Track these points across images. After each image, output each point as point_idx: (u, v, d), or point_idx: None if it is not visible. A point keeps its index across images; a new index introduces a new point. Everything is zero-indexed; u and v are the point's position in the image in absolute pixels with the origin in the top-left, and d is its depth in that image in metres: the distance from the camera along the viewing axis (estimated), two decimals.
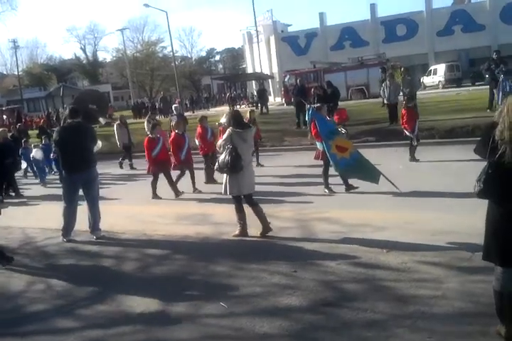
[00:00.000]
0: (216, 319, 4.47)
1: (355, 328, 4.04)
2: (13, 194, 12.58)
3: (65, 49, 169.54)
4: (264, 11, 52.28)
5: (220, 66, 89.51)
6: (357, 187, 8.87)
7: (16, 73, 67.17)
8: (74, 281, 5.79)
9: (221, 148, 6.76)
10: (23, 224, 8.69)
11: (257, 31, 50.32)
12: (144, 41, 71.73)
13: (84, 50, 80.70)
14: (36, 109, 57.88)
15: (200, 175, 11.25)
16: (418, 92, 17.25)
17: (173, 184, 10.24)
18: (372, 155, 11.14)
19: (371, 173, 8.02)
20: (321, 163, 9.21)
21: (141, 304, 4.92)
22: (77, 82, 78.04)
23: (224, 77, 57.13)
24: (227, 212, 8.38)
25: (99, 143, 15.10)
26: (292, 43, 49.82)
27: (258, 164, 12.86)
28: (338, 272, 5.18)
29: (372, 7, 47.54)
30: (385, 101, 16.71)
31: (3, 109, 52.44)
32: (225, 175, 6.73)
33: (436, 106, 18.82)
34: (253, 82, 48.32)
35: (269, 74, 47.81)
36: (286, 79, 35.14)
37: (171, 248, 6.72)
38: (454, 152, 11.74)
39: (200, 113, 35.51)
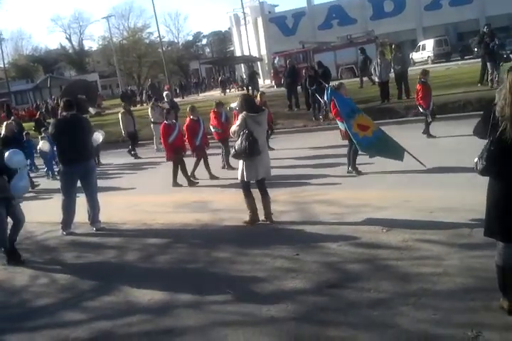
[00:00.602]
0: (222, 305, 4.52)
1: (360, 308, 4.09)
2: None
3: (50, 39, 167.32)
4: None
5: (208, 50, 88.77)
6: (360, 171, 8.85)
7: (1, 66, 66.40)
8: (77, 274, 5.81)
9: (235, 134, 6.61)
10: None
11: (244, 13, 49.89)
12: (129, 28, 70.91)
13: (69, 40, 79.85)
14: (24, 102, 57.32)
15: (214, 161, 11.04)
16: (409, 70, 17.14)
17: (186, 171, 10.09)
18: None
19: (395, 151, 7.92)
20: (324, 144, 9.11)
21: (146, 294, 4.95)
22: (64, 72, 77.20)
23: (212, 60, 56.74)
24: (226, 199, 8.46)
25: (102, 133, 15.20)
26: (280, 24, 49.41)
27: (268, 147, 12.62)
28: (339, 253, 5.22)
29: None
30: (376, 80, 16.66)
31: None
32: (241, 161, 6.63)
33: None
34: (242, 65, 48.06)
35: (257, 56, 47.50)
36: (275, 61, 34.92)
37: (171, 236, 6.74)
38: (447, 127, 11.75)
39: (190, 99, 35.38)
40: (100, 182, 8.11)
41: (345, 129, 8.55)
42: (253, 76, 27.54)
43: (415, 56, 36.01)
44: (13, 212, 6.34)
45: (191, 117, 10.33)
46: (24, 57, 79.88)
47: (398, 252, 5.03)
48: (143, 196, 9.74)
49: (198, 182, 10.13)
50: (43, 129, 16.41)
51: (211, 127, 11.17)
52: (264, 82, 39.83)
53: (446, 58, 34.53)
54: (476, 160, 3.48)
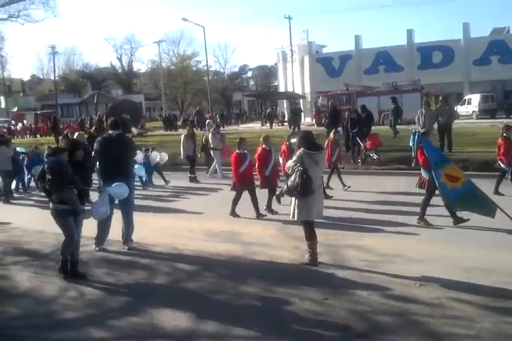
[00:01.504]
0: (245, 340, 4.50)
1: None
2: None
3: (101, 57, 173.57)
4: (300, 31, 52.73)
5: (252, 83, 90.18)
6: (467, 220, 8.20)
7: (52, 78, 68.76)
8: (106, 291, 5.90)
9: (290, 170, 6.48)
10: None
11: (291, 50, 50.84)
12: (179, 54, 72.89)
13: (120, 60, 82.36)
14: (69, 115, 59.05)
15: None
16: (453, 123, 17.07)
17: (256, 203, 9.78)
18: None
19: (486, 206, 7.24)
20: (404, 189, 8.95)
21: (172, 319, 4.98)
22: (111, 90, 79.43)
23: (256, 94, 57.62)
24: (256, 232, 8.48)
25: (165, 155, 14.88)
26: (326, 64, 50.04)
27: (344, 185, 12.20)
28: (369, 303, 5.15)
29: (409, 32, 47.58)
30: (420, 129, 16.61)
31: (38, 113, 53.73)
32: (293, 198, 6.52)
33: (470, 137, 18.67)
34: (284, 101, 48.63)
35: (301, 94, 48.06)
36: (318, 101, 35.23)
37: (201, 264, 6.77)
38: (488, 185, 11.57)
39: (230, 128, 35.86)
40: (146, 202, 8.20)
41: (429, 178, 8.20)
42: (297, 112, 27.84)
43: (460, 109, 35.83)
44: (77, 225, 6.43)
45: (263, 147, 9.99)
46: (74, 72, 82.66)
47: (430, 309, 4.94)
48: (175, 220, 9.82)
49: (266, 215, 9.77)
50: None
51: (280, 159, 10.95)
52: (305, 120, 40.12)
53: (491, 115, 34.23)
54: None
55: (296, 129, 26.35)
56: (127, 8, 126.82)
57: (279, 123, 37.98)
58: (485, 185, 11.40)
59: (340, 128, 18.88)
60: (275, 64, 63.48)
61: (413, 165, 9.43)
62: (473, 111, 35.27)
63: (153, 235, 8.26)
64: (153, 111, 70.53)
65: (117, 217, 7.67)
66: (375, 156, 15.34)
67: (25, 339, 4.71)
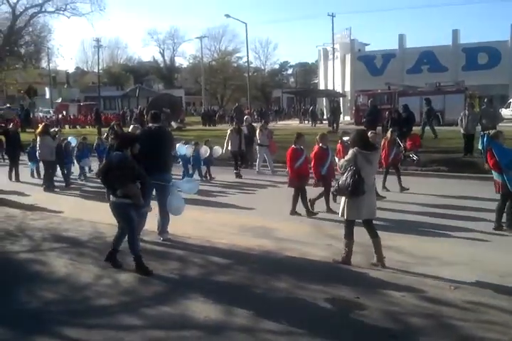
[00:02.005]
0: (276, 336, 4.51)
1: None
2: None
3: (144, 51, 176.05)
4: (342, 28, 52.27)
5: (292, 80, 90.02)
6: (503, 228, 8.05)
7: (95, 71, 70.17)
8: (140, 279, 6.00)
9: (342, 169, 6.44)
10: (95, 218, 9.05)
11: (333, 48, 50.42)
12: (220, 50, 73.50)
13: (162, 54, 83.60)
14: (112, 108, 60.12)
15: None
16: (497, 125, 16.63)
17: (307, 200, 9.58)
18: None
19: None
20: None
21: (203, 310, 5.03)
22: (152, 84, 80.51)
23: (296, 91, 57.51)
24: (289, 229, 8.48)
25: (219, 149, 14.97)
26: (368, 63, 49.50)
27: (402, 188, 11.76)
28: (403, 304, 5.08)
29: (455, 33, 46.60)
30: (462, 131, 16.28)
31: (81, 104, 54.95)
32: (343, 197, 6.46)
33: None
34: (323, 99, 48.33)
35: (341, 92, 47.67)
36: (359, 99, 34.88)
37: (233, 258, 6.80)
38: None
39: (268, 125, 35.85)
40: (187, 196, 8.23)
41: (502, 181, 8.01)
42: (336, 111, 27.65)
43: (504, 112, 34.84)
44: (140, 220, 6.46)
45: (320, 145, 9.69)
46: (118, 65, 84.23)
47: (464, 312, 4.84)
48: (210, 214, 9.89)
49: (317, 213, 9.56)
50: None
51: (336, 159, 10.43)
52: (344, 119, 39.79)
53: None
54: None
55: (335, 127, 26.16)
56: (171, 2, 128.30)
57: (318, 121, 37.74)
58: None
59: (379, 128, 18.68)
60: (316, 61, 63.25)
61: (486, 168, 9.05)
62: None
63: (188, 228, 8.34)
64: (193, 105, 71.16)
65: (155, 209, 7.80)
66: (415, 157, 15.08)
67: (59, 324, 4.83)
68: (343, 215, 6.48)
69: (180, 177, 13.70)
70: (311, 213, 9.49)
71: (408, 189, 11.60)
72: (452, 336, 4.39)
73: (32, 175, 16.00)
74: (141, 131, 8.03)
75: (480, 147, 8.83)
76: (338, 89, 49.20)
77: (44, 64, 61.65)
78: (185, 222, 8.60)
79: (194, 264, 6.58)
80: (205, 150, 14.53)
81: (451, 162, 13.78)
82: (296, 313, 4.95)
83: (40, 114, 48.71)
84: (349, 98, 46.80)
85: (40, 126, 14.67)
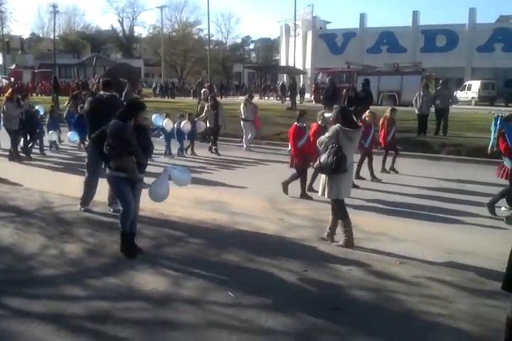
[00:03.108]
0: (223, 307, 4.51)
1: (359, 335, 4.06)
2: None
3: (102, 20, 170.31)
4: (305, 5, 51.99)
5: (253, 55, 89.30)
6: None
7: (51, 37, 67.68)
8: (87, 251, 5.89)
9: (323, 145, 6.26)
10: (44, 188, 8.80)
11: (295, 25, 50.16)
12: (181, 21, 71.96)
13: (121, 23, 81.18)
14: (67, 76, 58.21)
15: None
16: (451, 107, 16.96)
17: (305, 182, 9.12)
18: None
19: None
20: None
21: (150, 282, 4.98)
22: (110, 53, 78.31)
23: (257, 66, 57.10)
24: (244, 202, 8.47)
25: (202, 124, 14.20)
26: (329, 41, 49.56)
27: (392, 169, 11.49)
28: (348, 277, 5.17)
29: (415, 14, 47.10)
30: (416, 112, 16.55)
31: (36, 71, 53.02)
32: (323, 175, 6.35)
33: (467, 122, 18.61)
34: (284, 75, 48.22)
35: (301, 69, 47.62)
36: (319, 77, 34.93)
37: (186, 230, 6.76)
38: (478, 171, 11.61)
39: (227, 100, 35.55)
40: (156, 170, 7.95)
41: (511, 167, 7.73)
42: (293, 88, 27.61)
43: (459, 95, 35.67)
44: (135, 197, 5.88)
45: (319, 123, 9.06)
46: (75, 32, 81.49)
47: (407, 287, 4.96)
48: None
49: (311, 197, 8.89)
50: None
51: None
52: (305, 96, 39.87)
53: (490, 102, 34.19)
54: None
55: (293, 106, 26.16)
56: None
57: (278, 97, 37.67)
58: (480, 170, 11.56)
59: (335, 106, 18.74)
60: (278, 37, 62.78)
61: (489, 152, 8.82)
62: (473, 98, 35.21)
63: (142, 200, 8.19)
64: (152, 77, 69.75)
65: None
66: None
67: (1, 293, 4.69)
68: (323, 194, 6.34)
69: (163, 152, 13.40)
70: (306, 196, 9.03)
71: (398, 172, 11.42)
72: (395, 309, 4.49)
73: None
74: (92, 98, 7.77)
75: (492, 129, 8.45)
76: (299, 66, 49.15)
77: None
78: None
79: (144, 236, 6.48)
80: (188, 125, 13.59)
81: (406, 142, 13.99)
82: (245, 286, 4.96)
83: None
84: (309, 76, 46.85)
85: (7, 92, 13.42)
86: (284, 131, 16.51)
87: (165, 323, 4.18)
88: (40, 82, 45.15)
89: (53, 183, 9.62)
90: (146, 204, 7.89)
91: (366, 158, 10.67)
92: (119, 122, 5.60)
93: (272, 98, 41.72)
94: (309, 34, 50.58)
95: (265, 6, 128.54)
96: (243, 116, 15.12)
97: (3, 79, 47.73)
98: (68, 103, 17.83)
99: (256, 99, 38.49)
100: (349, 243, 6.21)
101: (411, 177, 10.98)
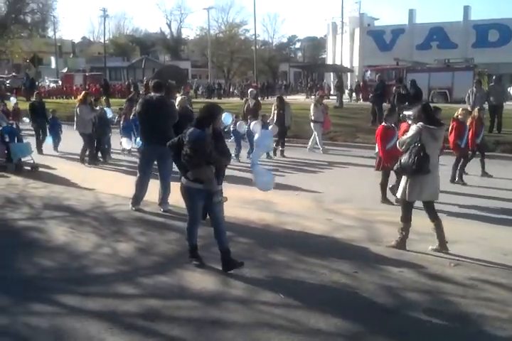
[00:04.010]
0: (271, 307, 4.49)
1: (411, 339, 3.96)
2: None
3: (151, 23, 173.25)
4: (352, 2, 51.33)
5: (300, 54, 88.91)
6: None
7: (102, 41, 69.48)
8: (139, 249, 5.99)
9: (404, 145, 5.99)
10: (97, 188, 9.04)
11: (342, 22, 49.55)
12: (228, 22, 72.30)
13: (169, 26, 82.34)
14: (117, 78, 59.52)
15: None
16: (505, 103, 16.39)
17: (386, 186, 8.52)
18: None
19: None
20: None
21: (200, 281, 5.02)
22: (159, 56, 79.58)
23: (303, 65, 56.75)
24: (291, 202, 8.43)
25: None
26: (377, 38, 48.75)
27: (484, 173, 10.76)
28: (401, 279, 5.06)
29: (466, 9, 45.75)
30: (469, 109, 16.03)
31: (87, 74, 54.51)
32: (404, 177, 6.09)
33: None
34: (331, 73, 47.79)
35: (349, 67, 47.07)
36: (367, 75, 34.45)
37: (233, 230, 6.72)
38: None
39: (273, 100, 35.50)
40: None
41: None
42: (340, 86, 27.34)
43: None
44: (213, 210, 5.36)
45: (409, 122, 8.49)
46: (124, 36, 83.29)
47: (463, 289, 4.81)
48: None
49: (392, 204, 8.21)
50: None
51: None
52: (352, 94, 39.42)
53: None
54: None
55: (341, 104, 25.90)
56: None
57: (325, 97, 37.33)
58: None
59: (385, 104, 18.46)
60: (324, 36, 62.27)
61: None
62: None
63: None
64: (200, 78, 70.55)
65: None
66: None
67: (55, 291, 4.82)
68: (403, 196, 6.05)
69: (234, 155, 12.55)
70: (386, 201, 8.45)
71: (492, 176, 10.59)
72: (449, 312, 4.36)
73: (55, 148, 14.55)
74: (142, 99, 7.90)
75: None
76: (346, 64, 48.54)
77: (50, 33, 61.04)
78: None
79: None
80: (241, 126, 12.67)
81: None
82: (294, 286, 4.94)
83: (46, 83, 48.40)
84: (357, 73, 46.25)
85: (81, 95, 12.92)
86: (332, 131, 16.43)
87: (214, 322, 4.20)
88: (89, 85, 46.24)
89: (119, 185, 9.63)
90: None
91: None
92: (196, 130, 5.11)
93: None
94: (357, 31, 49.92)
95: (311, 5, 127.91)
96: (313, 118, 14.45)
97: (51, 83, 49.34)
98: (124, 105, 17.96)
99: (302, 97, 38.50)
100: (402, 245, 6.05)
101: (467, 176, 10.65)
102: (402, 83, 18.48)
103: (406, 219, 6.12)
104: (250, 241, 6.31)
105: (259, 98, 18.07)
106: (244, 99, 16.97)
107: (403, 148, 6.01)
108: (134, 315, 4.36)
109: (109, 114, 14.07)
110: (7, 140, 11.26)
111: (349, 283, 4.97)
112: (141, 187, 7.60)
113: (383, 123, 8.56)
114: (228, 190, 9.13)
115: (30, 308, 4.47)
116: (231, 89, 47.59)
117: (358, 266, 5.40)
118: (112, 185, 9.56)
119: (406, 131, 7.65)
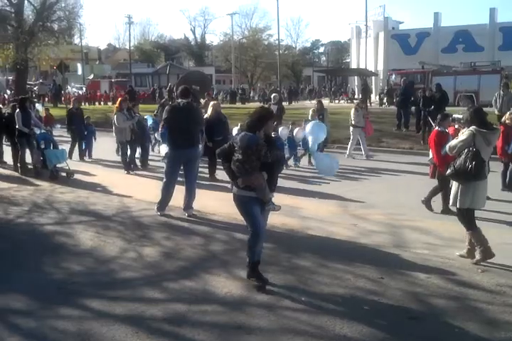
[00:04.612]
0: (297, 313, 4.48)
1: None
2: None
3: (175, 29, 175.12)
4: (376, 6, 51.00)
5: (323, 58, 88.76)
6: None
7: (127, 47, 70.37)
8: (164, 254, 6.05)
9: (455, 150, 5.80)
10: (124, 193, 9.16)
11: (366, 26, 49.23)
12: (251, 27, 72.58)
13: (193, 32, 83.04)
14: (143, 84, 60.25)
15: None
16: None
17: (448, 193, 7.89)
18: None
19: None
20: None
21: (225, 286, 5.04)
22: (183, 62, 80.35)
23: (327, 70, 56.67)
24: (315, 207, 8.39)
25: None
26: (402, 41, 48.31)
27: None
28: (427, 285, 5.00)
29: (492, 11, 45.00)
30: (496, 112, 15.81)
31: (113, 81, 55.28)
32: (455, 183, 5.86)
33: None
34: (355, 77, 47.55)
35: (373, 71, 46.78)
36: (392, 78, 34.17)
37: None
38: None
39: (297, 104, 35.49)
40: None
41: None
42: (366, 90, 27.22)
43: None
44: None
45: (456, 126, 8.23)
46: (149, 42, 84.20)
47: (490, 296, 4.74)
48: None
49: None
50: None
51: None
52: (376, 98, 39.13)
53: None
54: None
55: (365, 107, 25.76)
56: None
57: (348, 100, 37.20)
58: None
59: (413, 108, 18.28)
60: (348, 40, 62.00)
61: None
62: None
63: (213, 204, 8.34)
64: (223, 83, 70.92)
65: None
66: None
67: (83, 296, 4.89)
68: (455, 204, 5.84)
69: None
70: (449, 211, 7.74)
71: None
72: (476, 319, 4.30)
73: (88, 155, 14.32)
74: (169, 106, 7.99)
75: None
76: (371, 68, 48.18)
77: (76, 40, 62.09)
78: (212, 199, 8.62)
79: (218, 240, 6.60)
80: (301, 132, 11.93)
81: None
82: (319, 291, 4.92)
83: (73, 90, 49.15)
84: (381, 77, 45.92)
85: (117, 103, 12.51)
86: None
87: (240, 328, 4.21)
88: (115, 91, 46.74)
89: (148, 191, 9.43)
90: (217, 208, 8.08)
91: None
92: (248, 134, 4.88)
93: (342, 101, 41.21)
94: (381, 35, 49.56)
95: (335, 9, 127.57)
96: (353, 122, 13.96)
97: (76, 89, 50.02)
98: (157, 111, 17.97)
99: (326, 102, 38.43)
100: (487, 253, 5.65)
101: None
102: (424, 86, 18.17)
103: (471, 226, 5.80)
104: (274, 246, 6.30)
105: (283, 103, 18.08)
106: (267, 104, 16.93)
107: (454, 152, 5.83)
108: (160, 319, 4.39)
109: (150, 121, 13.95)
110: (43, 146, 11.18)
111: (375, 289, 4.93)
112: (166, 192, 7.67)
113: (437, 128, 8.19)
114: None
115: (58, 312, 4.54)
116: (251, 94, 47.54)
117: (384, 271, 5.36)
118: (141, 191, 9.57)
119: (453, 135, 7.67)
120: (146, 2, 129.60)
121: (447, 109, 17.05)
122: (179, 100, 7.81)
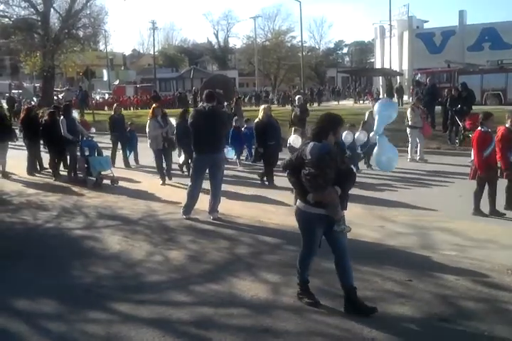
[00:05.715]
0: (324, 316, 4.44)
1: None
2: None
3: (198, 33, 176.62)
4: (400, 5, 50.50)
5: (347, 59, 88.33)
6: None
7: (151, 53, 71.11)
8: (190, 257, 6.07)
9: None
10: (149, 198, 9.23)
11: (390, 25, 48.78)
12: (274, 30, 72.66)
13: (216, 36, 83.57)
14: (167, 89, 60.88)
15: None
16: None
17: (494, 197, 7.75)
18: None
19: None
20: None
21: (251, 289, 5.03)
22: (207, 65, 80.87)
23: (351, 70, 56.31)
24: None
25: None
26: (427, 40, 47.72)
27: None
28: (456, 287, 4.92)
29: None
30: None
31: (138, 86, 55.94)
32: None
33: None
34: (380, 77, 47.16)
35: (398, 70, 46.31)
36: (417, 78, 33.79)
37: (283, 238, 6.76)
38: None
39: (322, 106, 35.37)
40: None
41: None
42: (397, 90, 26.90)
43: None
44: (337, 240, 4.75)
45: (507, 126, 7.81)
46: (173, 47, 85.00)
47: None
48: (261, 195, 9.83)
49: (504, 214, 7.75)
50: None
51: None
52: (410, 99, 38.75)
53: None
54: None
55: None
56: None
57: (374, 100, 36.83)
58: None
59: (439, 107, 18.06)
60: (372, 40, 61.51)
61: None
62: None
63: (238, 208, 8.37)
64: (247, 86, 71.11)
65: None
66: None
67: (111, 299, 4.94)
68: None
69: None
70: (497, 212, 7.74)
71: None
72: (507, 321, 4.21)
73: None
74: (194, 111, 8.03)
75: None
76: (395, 67, 47.76)
77: (101, 46, 63.02)
78: (237, 203, 8.64)
79: (243, 243, 6.60)
80: (363, 135, 11.25)
81: None
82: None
83: (97, 96, 49.88)
84: (406, 77, 45.44)
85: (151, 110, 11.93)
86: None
87: (267, 331, 4.19)
88: (140, 96, 47.16)
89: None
90: (243, 212, 8.10)
91: None
92: (317, 144, 4.40)
93: (367, 102, 40.90)
94: (405, 34, 49.02)
95: (358, 9, 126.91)
96: (410, 123, 13.40)
97: (101, 95, 50.69)
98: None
99: (350, 103, 38.18)
100: None
101: None
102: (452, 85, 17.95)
103: None
104: (299, 249, 6.26)
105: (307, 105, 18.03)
106: (292, 106, 16.89)
107: None
108: (187, 322, 4.41)
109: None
110: (87, 153, 10.87)
111: (403, 292, 4.87)
112: (192, 196, 7.71)
113: (480, 128, 7.82)
114: (281, 196, 9.23)
115: (87, 316, 4.60)
116: (270, 96, 47.40)
117: (412, 273, 5.29)
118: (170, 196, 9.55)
119: (504, 135, 7.52)
120: (169, 7, 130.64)
121: (474, 108, 16.82)
122: (204, 104, 7.84)
